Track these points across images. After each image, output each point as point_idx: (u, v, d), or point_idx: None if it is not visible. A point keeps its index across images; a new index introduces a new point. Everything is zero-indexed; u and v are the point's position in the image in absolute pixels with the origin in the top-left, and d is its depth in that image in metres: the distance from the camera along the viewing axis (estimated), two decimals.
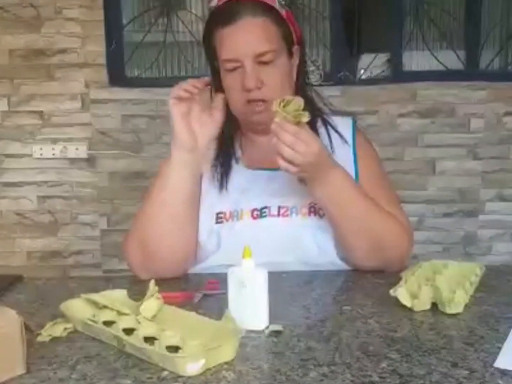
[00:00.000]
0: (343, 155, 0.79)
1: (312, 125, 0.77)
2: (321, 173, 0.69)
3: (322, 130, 0.81)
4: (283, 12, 0.76)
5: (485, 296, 0.65)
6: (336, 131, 0.82)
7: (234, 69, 0.73)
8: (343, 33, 1.94)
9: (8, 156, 1.97)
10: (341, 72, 1.94)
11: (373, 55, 1.94)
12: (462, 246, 1.97)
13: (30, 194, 1.98)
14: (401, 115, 1.92)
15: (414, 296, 0.62)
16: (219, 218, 0.79)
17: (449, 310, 0.60)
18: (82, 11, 1.88)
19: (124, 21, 1.95)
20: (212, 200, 0.79)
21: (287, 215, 0.77)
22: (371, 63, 1.95)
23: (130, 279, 0.78)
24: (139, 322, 0.54)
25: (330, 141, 0.80)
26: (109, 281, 0.76)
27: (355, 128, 0.84)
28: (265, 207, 0.78)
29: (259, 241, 0.71)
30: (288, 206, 0.78)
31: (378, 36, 1.98)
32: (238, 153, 0.82)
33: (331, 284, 0.74)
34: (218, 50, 0.75)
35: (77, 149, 1.94)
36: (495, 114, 1.91)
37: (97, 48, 1.90)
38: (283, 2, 0.77)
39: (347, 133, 0.82)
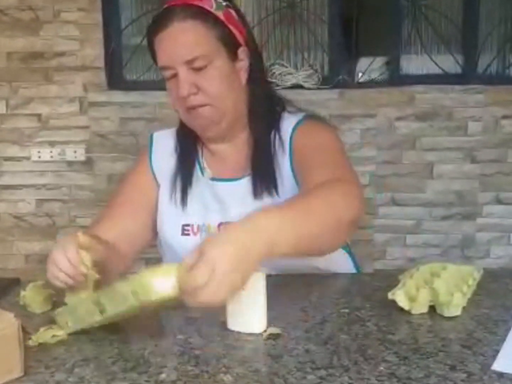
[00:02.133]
0: (281, 160, 0.75)
1: (267, 135, 0.75)
2: (257, 242, 0.52)
3: (272, 134, 0.76)
4: (220, 13, 0.71)
5: (483, 299, 0.65)
6: (279, 135, 0.76)
7: (172, 76, 0.71)
8: (342, 37, 1.95)
9: (6, 159, 1.97)
10: (340, 76, 1.95)
11: (371, 58, 1.95)
12: (460, 249, 1.98)
13: (28, 197, 1.98)
14: (399, 119, 1.93)
15: (412, 299, 0.62)
16: (185, 230, 0.77)
17: (447, 313, 0.60)
18: (80, 14, 1.88)
19: (123, 24, 1.95)
20: (175, 211, 0.77)
21: None
22: (369, 67, 1.95)
23: None
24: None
25: (274, 146, 0.75)
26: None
27: (297, 125, 0.76)
28: (227, 222, 0.74)
29: None
30: None
31: (376, 39, 1.99)
32: (204, 163, 0.79)
33: (329, 287, 0.74)
34: (156, 58, 0.73)
35: (75, 152, 1.94)
36: (492, 118, 1.92)
37: (96, 51, 1.90)
38: (223, 3, 0.72)
39: (287, 132, 0.76)
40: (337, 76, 1.94)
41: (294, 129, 0.76)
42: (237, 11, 0.75)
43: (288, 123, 0.77)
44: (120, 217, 0.77)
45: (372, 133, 1.91)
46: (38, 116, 1.94)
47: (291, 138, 0.75)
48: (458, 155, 1.94)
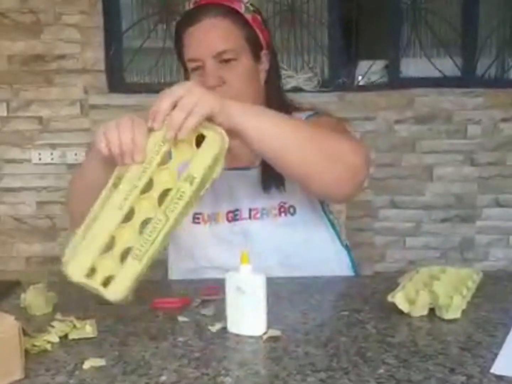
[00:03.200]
0: None
1: None
2: (232, 110, 0.58)
3: None
4: (249, 16, 0.77)
5: (483, 302, 0.65)
6: None
7: (197, 68, 0.75)
8: (341, 40, 1.96)
9: (7, 161, 1.97)
10: (339, 79, 1.95)
11: (371, 61, 1.95)
12: (459, 252, 1.98)
13: (28, 199, 1.98)
14: (399, 121, 1.93)
15: (411, 301, 0.62)
16: (196, 218, 0.80)
17: (446, 316, 0.60)
18: (81, 17, 1.89)
19: (124, 27, 1.96)
20: None
21: (258, 218, 0.77)
22: (369, 70, 1.96)
23: None
24: None
25: None
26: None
27: (307, 119, 0.79)
28: (237, 210, 0.78)
29: (235, 245, 0.72)
30: (258, 208, 0.78)
31: (376, 42, 2.00)
32: None
33: (329, 289, 0.74)
34: (183, 51, 0.77)
35: (76, 154, 1.94)
36: (492, 121, 1.92)
37: (96, 54, 1.91)
38: (251, 8, 0.78)
39: None
40: (337, 79, 1.95)
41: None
42: (262, 17, 0.80)
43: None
44: None
45: (372, 136, 1.92)
46: (39, 118, 1.94)
47: None
48: (457, 158, 1.95)
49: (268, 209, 0.78)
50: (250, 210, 0.78)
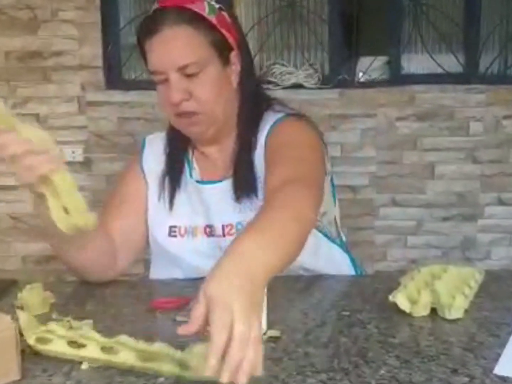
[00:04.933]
0: (259, 163, 0.73)
1: (246, 129, 0.74)
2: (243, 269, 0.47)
3: (254, 139, 0.75)
4: (213, 18, 0.70)
5: (485, 302, 0.65)
6: (257, 137, 0.74)
7: (163, 81, 0.70)
8: (342, 36, 1.95)
9: (3, 159, 1.96)
10: (340, 75, 1.94)
11: (371, 58, 1.94)
12: (461, 251, 1.97)
13: (25, 197, 1.96)
14: (400, 118, 1.92)
15: (413, 301, 0.61)
16: (173, 232, 0.77)
17: (448, 316, 0.60)
18: (78, 13, 1.88)
19: (121, 24, 1.95)
20: (163, 212, 0.77)
21: (232, 234, 0.73)
22: (369, 66, 1.95)
23: (125, 284, 0.77)
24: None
25: (255, 151, 0.74)
26: (105, 286, 0.75)
27: (274, 124, 0.74)
28: (211, 226, 0.75)
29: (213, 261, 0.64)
30: (232, 223, 0.74)
31: (377, 39, 1.98)
32: (194, 164, 0.78)
33: (329, 289, 0.74)
34: (147, 62, 0.72)
35: (73, 152, 1.93)
36: (494, 118, 1.91)
37: (94, 51, 1.90)
38: (215, 6, 0.71)
39: (264, 131, 0.74)
40: (338, 75, 1.94)
41: (271, 128, 0.74)
42: (230, 14, 0.74)
43: (265, 122, 0.75)
44: (116, 218, 0.78)
45: (373, 133, 1.91)
46: (36, 115, 1.93)
47: (266, 137, 0.74)
48: (459, 156, 1.94)
49: (243, 224, 0.72)
50: (223, 226, 0.75)
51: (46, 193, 0.57)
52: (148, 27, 0.70)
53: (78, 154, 1.93)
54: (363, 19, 1.96)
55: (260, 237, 0.52)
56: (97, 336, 0.53)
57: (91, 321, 0.59)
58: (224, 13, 0.72)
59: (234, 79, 0.73)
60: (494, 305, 0.64)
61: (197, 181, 0.77)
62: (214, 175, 0.77)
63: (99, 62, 1.90)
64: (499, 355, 0.51)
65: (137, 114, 1.93)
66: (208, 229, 0.76)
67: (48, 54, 1.89)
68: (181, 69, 0.69)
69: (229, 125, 0.75)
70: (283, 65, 1.93)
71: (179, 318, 0.62)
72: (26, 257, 1.99)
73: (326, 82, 1.93)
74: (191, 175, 0.78)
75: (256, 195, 0.73)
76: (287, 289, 0.71)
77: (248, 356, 0.42)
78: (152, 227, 0.79)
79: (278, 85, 1.85)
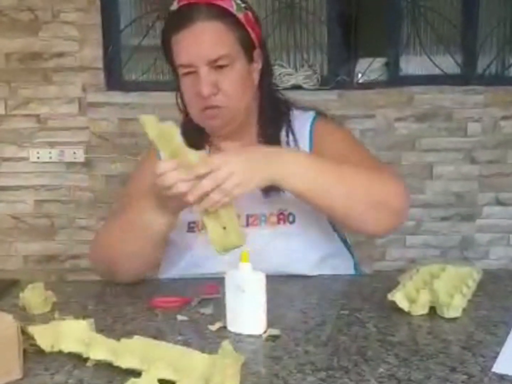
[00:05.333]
0: None
1: (276, 134, 0.77)
2: (274, 168, 0.62)
3: (283, 132, 0.78)
4: (240, 15, 0.73)
5: (483, 301, 0.65)
6: (293, 134, 0.78)
7: (190, 73, 0.72)
8: (341, 37, 1.95)
9: (5, 159, 1.96)
10: (339, 76, 1.95)
11: (370, 59, 1.95)
12: (460, 250, 1.98)
13: (27, 198, 1.97)
14: (398, 119, 1.93)
15: (412, 300, 0.62)
16: (191, 227, 0.78)
17: (447, 314, 0.60)
18: (79, 14, 1.88)
19: (122, 25, 1.95)
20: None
21: (256, 225, 0.75)
22: (368, 67, 1.95)
23: (127, 283, 0.77)
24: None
25: (288, 144, 0.77)
26: (106, 286, 0.75)
27: (314, 123, 0.79)
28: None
29: (232, 253, 0.66)
30: (257, 214, 0.76)
31: (376, 40, 1.99)
32: None
33: (329, 288, 0.74)
34: (174, 55, 0.73)
35: (74, 153, 1.93)
36: (492, 118, 1.92)
37: (95, 52, 1.90)
38: (242, 5, 0.74)
39: (304, 132, 0.78)
40: (336, 76, 1.94)
41: (312, 125, 0.78)
42: (253, 13, 0.76)
43: (302, 120, 0.79)
44: (141, 214, 0.77)
45: (371, 134, 1.91)
46: (37, 117, 1.93)
47: (310, 137, 0.77)
48: (458, 156, 1.94)
49: (267, 216, 0.76)
50: (248, 216, 0.76)
51: (209, 216, 0.61)
52: (178, 21, 0.71)
53: (79, 155, 1.93)
54: (361, 20, 1.97)
55: (316, 160, 0.64)
56: (101, 338, 0.53)
57: (92, 320, 0.59)
58: (249, 12, 0.75)
59: (256, 77, 0.76)
60: (492, 304, 0.64)
61: None
62: None
63: (100, 63, 1.91)
64: (497, 353, 0.52)
65: (138, 115, 1.93)
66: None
67: (49, 56, 1.90)
68: (212, 62, 0.70)
69: (249, 121, 0.77)
70: (282, 66, 1.94)
71: (180, 317, 0.62)
72: (27, 257, 1.99)
73: (325, 83, 1.93)
74: None
75: (284, 190, 0.74)
76: (287, 288, 0.71)
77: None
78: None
79: (277, 86, 1.85)
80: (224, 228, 0.60)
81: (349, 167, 0.67)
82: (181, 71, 0.73)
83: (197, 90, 0.71)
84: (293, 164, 0.63)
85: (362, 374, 0.49)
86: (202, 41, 0.70)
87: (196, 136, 0.79)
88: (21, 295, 0.67)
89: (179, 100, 0.78)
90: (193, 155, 0.60)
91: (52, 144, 1.94)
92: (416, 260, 1.92)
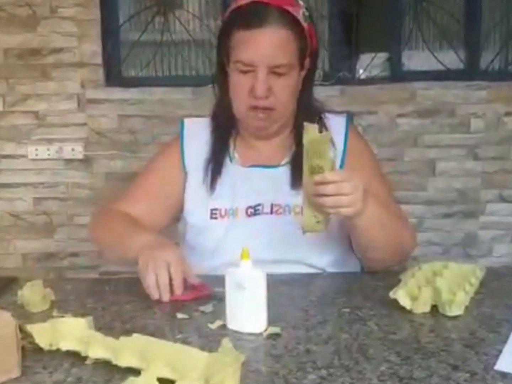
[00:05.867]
0: None
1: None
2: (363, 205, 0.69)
3: None
4: (305, 25, 0.76)
5: (486, 298, 0.65)
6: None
7: (247, 72, 0.74)
8: (342, 33, 1.94)
9: (3, 156, 1.95)
10: (340, 72, 1.93)
11: (372, 54, 1.94)
12: (462, 248, 1.97)
13: (25, 195, 1.97)
14: (401, 115, 1.92)
15: (414, 298, 0.61)
16: (214, 214, 0.80)
17: (449, 312, 0.60)
18: (78, 10, 1.87)
19: (121, 20, 1.94)
20: (205, 196, 0.81)
21: (280, 213, 0.78)
22: (370, 63, 1.94)
23: (126, 281, 0.77)
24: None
25: None
26: (105, 284, 0.75)
27: (347, 128, 0.83)
28: (259, 205, 0.79)
29: (254, 238, 0.73)
30: (281, 204, 0.79)
31: (377, 35, 1.98)
32: (232, 151, 0.82)
33: (330, 286, 0.74)
34: (233, 50, 0.75)
35: (73, 149, 1.93)
36: (495, 114, 1.91)
37: (93, 48, 1.89)
38: (307, 14, 0.77)
39: (339, 134, 0.82)
40: (338, 72, 1.93)
41: (346, 130, 0.83)
42: (314, 24, 0.79)
43: (336, 123, 0.82)
44: (144, 198, 0.82)
45: (373, 130, 1.90)
46: (35, 113, 1.92)
47: (345, 139, 0.82)
48: (460, 152, 1.93)
49: (292, 207, 0.78)
50: (272, 205, 0.79)
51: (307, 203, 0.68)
52: (249, 18, 0.73)
53: (78, 151, 1.93)
54: (363, 16, 1.95)
55: (378, 204, 0.71)
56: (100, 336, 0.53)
57: (91, 318, 0.59)
58: (312, 23, 0.78)
59: (300, 83, 0.79)
60: (495, 302, 0.64)
61: (244, 165, 0.81)
62: (257, 160, 0.81)
63: (99, 59, 1.90)
64: (500, 351, 0.51)
65: (137, 111, 1.92)
66: (250, 210, 0.80)
67: (48, 51, 1.89)
68: (272, 68, 0.73)
69: (288, 121, 0.81)
70: None
71: (180, 315, 0.62)
72: (26, 255, 1.99)
73: (326, 79, 1.92)
74: (230, 161, 0.82)
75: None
76: (288, 286, 0.71)
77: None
78: (192, 212, 0.82)
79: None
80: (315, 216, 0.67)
81: (389, 212, 0.75)
82: (238, 66, 0.75)
83: (250, 88, 0.74)
84: (368, 204, 0.69)
85: (364, 373, 0.48)
86: (270, 46, 0.72)
87: (225, 129, 0.82)
88: (19, 292, 0.67)
89: (216, 91, 0.81)
90: (329, 162, 0.65)
91: (50, 141, 1.93)
92: (418, 258, 1.90)
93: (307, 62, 0.79)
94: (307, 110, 0.81)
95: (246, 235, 0.76)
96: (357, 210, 0.67)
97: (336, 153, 0.78)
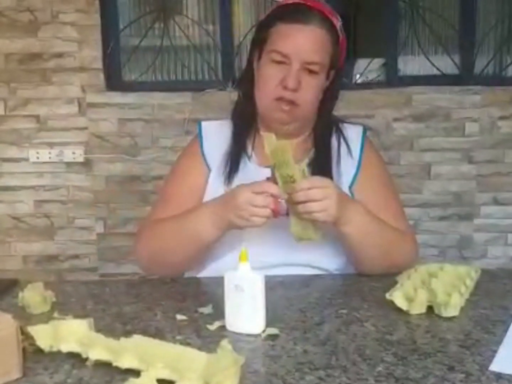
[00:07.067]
0: (346, 166, 0.82)
1: (325, 134, 0.82)
2: (344, 211, 0.71)
3: (333, 139, 0.84)
4: (341, 36, 0.80)
5: (481, 300, 0.66)
6: (346, 143, 0.84)
7: (280, 62, 0.76)
8: None
9: (4, 160, 1.96)
10: None
11: (368, 59, 1.95)
12: (458, 250, 1.98)
13: (26, 198, 1.97)
14: (397, 119, 1.93)
15: (410, 299, 0.62)
16: None
17: (445, 313, 0.60)
18: (78, 15, 1.88)
19: (121, 26, 1.95)
20: (222, 192, 0.80)
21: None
22: (366, 68, 1.96)
23: (126, 283, 0.77)
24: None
25: (339, 150, 0.83)
26: (105, 285, 0.75)
27: (364, 139, 0.86)
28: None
29: (265, 240, 0.74)
30: None
31: (374, 41, 2.00)
32: (250, 151, 0.83)
33: (327, 287, 0.74)
34: (272, 40, 0.77)
35: (73, 153, 1.94)
36: (489, 118, 1.92)
37: (94, 53, 1.90)
38: (341, 29, 0.81)
39: (356, 144, 0.85)
40: None
41: (362, 141, 0.85)
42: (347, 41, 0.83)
43: (353, 133, 0.85)
44: (177, 206, 0.81)
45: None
46: (37, 117, 1.93)
47: (361, 149, 0.85)
48: (455, 156, 1.95)
49: None
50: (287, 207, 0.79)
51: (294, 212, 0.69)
52: (294, 14, 0.76)
53: (78, 155, 1.94)
54: (360, 21, 1.97)
55: (366, 212, 0.73)
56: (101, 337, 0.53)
57: (91, 320, 0.59)
58: (344, 39, 0.82)
59: (322, 92, 0.81)
60: (490, 303, 0.64)
61: (262, 165, 0.81)
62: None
63: (99, 64, 1.91)
64: (495, 352, 0.52)
65: (137, 116, 1.93)
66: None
67: (48, 56, 1.90)
68: (305, 64, 0.76)
69: (305, 125, 0.83)
70: None
71: (179, 317, 0.63)
72: (27, 257, 1.99)
73: None
74: (248, 159, 0.83)
75: (332, 178, 0.79)
76: (286, 288, 0.72)
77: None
78: None
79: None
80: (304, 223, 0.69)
81: (385, 224, 0.77)
82: (272, 56, 0.77)
83: (281, 80, 0.76)
84: (353, 211, 0.72)
85: (361, 373, 0.49)
86: (308, 42, 0.76)
87: (244, 128, 0.83)
88: (20, 294, 0.67)
89: (241, 89, 0.84)
90: (297, 170, 0.67)
91: (51, 145, 1.94)
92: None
93: (332, 73, 0.81)
94: (326, 118, 0.84)
95: (258, 235, 0.76)
96: (332, 214, 0.68)
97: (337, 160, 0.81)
